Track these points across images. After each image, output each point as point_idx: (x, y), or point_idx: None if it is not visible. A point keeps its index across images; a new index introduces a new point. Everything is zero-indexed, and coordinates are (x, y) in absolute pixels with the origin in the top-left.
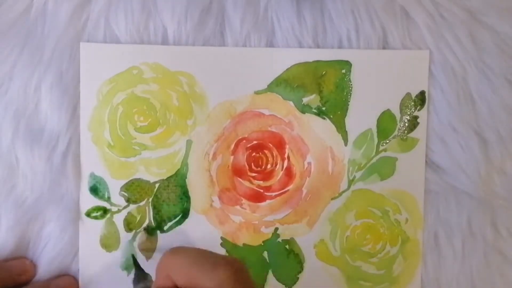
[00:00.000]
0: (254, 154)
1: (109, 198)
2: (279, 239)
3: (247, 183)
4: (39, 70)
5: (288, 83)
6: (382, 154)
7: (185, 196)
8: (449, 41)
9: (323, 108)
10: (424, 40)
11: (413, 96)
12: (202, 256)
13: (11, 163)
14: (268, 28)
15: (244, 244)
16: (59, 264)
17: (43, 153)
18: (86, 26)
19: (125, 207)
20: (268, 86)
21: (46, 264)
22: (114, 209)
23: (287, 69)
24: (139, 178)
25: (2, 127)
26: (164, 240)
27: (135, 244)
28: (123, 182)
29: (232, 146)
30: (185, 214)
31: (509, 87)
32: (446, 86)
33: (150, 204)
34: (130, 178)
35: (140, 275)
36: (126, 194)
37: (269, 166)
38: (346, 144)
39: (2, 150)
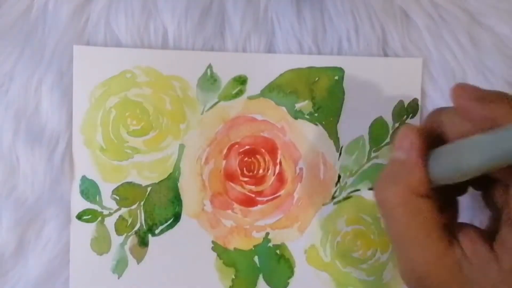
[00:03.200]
0: (246, 159)
1: (100, 201)
2: (270, 244)
3: (239, 188)
4: (39, 70)
5: (281, 89)
6: (374, 161)
7: (176, 200)
8: (449, 42)
9: (316, 114)
10: (423, 41)
11: (406, 104)
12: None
13: (12, 163)
14: (268, 29)
15: (235, 249)
16: (59, 264)
17: (43, 153)
18: (86, 26)
19: (116, 211)
20: (261, 91)
21: (46, 264)
22: (105, 212)
23: (280, 75)
24: (131, 182)
25: (2, 127)
26: (156, 243)
27: (126, 247)
28: (114, 185)
29: (225, 151)
30: (176, 218)
31: (509, 89)
32: (445, 88)
33: (141, 207)
34: (122, 182)
35: None
36: (117, 197)
37: (261, 171)
38: (338, 151)
39: (3, 150)
